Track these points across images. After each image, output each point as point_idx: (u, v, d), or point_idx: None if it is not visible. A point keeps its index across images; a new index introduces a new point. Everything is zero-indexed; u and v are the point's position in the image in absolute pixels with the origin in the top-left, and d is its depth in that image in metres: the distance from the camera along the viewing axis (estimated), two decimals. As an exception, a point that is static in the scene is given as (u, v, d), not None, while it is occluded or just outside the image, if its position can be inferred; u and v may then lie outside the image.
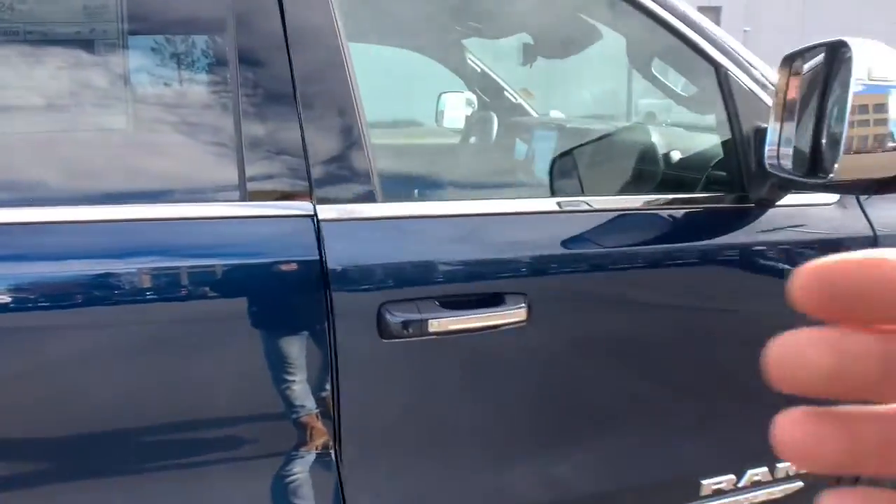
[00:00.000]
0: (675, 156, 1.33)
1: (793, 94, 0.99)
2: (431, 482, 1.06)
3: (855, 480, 1.47)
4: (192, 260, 0.91)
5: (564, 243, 1.05)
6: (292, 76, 0.94)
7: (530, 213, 1.09)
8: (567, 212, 1.11)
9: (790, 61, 1.01)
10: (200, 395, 0.94)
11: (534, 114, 2.49)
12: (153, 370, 0.92)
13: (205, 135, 0.99)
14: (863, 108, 0.90)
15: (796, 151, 0.99)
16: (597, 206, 1.12)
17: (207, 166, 0.98)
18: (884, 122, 0.90)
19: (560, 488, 1.14)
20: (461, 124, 2.58)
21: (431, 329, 0.95)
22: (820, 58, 0.98)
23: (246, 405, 0.96)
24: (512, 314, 0.99)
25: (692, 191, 1.22)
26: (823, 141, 0.95)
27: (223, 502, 0.98)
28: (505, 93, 2.47)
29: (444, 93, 2.72)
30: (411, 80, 3.05)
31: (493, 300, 0.99)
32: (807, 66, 0.99)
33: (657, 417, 1.18)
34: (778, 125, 0.97)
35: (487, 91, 2.50)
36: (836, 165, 0.92)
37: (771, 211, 1.17)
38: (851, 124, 0.90)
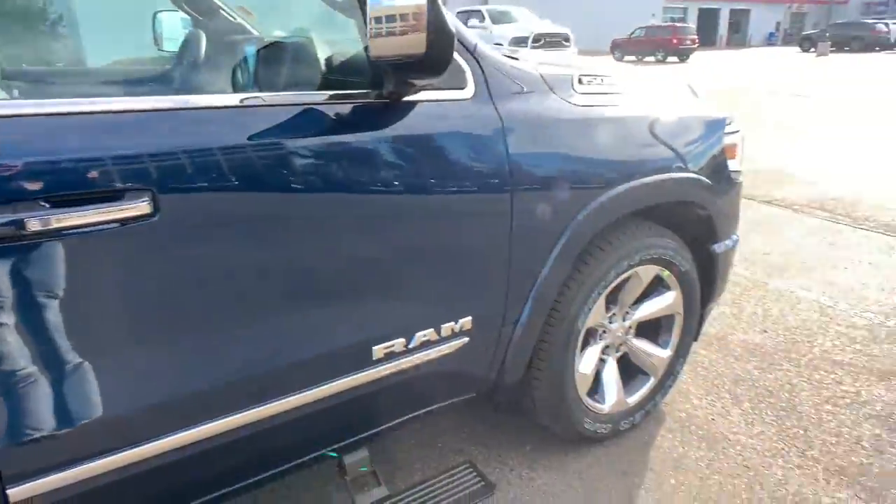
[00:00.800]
0: (338, 59, 1.42)
1: None
2: (66, 398, 1.02)
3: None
4: None
5: (198, 137, 1.06)
6: None
7: (156, 109, 1.06)
8: (216, 108, 1.12)
9: None
10: None
11: (255, 33, 2.44)
12: None
13: None
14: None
15: None
16: (269, 102, 1.16)
17: None
18: (401, 7, 1.05)
19: (229, 372, 1.17)
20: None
21: (32, 228, 0.91)
22: None
23: None
24: (130, 209, 0.98)
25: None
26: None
27: None
28: (221, 12, 2.39)
29: (159, 12, 2.55)
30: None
31: (114, 196, 0.97)
32: None
33: (319, 294, 1.25)
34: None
35: (201, 10, 2.40)
36: (370, 48, 1.07)
37: (418, 106, 1.31)
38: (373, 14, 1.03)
